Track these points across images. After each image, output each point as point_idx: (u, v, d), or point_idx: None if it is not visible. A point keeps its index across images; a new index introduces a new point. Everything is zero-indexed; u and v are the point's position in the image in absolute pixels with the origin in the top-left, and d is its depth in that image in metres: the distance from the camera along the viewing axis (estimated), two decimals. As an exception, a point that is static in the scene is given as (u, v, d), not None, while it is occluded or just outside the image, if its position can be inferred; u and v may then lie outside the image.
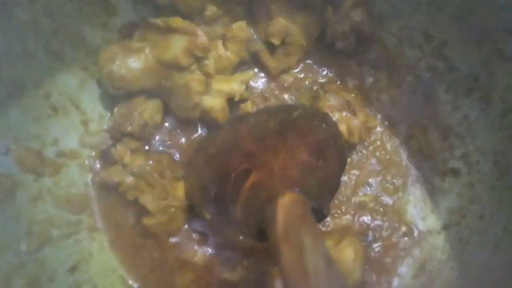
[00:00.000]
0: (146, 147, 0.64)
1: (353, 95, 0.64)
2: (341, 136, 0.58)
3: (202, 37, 0.57)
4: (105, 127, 0.63)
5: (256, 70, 0.67)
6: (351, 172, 0.66)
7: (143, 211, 0.58)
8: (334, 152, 0.53)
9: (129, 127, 0.59)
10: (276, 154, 0.51)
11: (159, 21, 0.59)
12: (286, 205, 0.44)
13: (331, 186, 0.53)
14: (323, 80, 0.67)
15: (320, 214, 0.48)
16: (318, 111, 0.59)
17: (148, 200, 0.57)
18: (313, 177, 0.49)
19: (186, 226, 0.62)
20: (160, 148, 0.64)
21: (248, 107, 0.65)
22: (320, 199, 0.48)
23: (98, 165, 0.62)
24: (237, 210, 0.50)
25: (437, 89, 0.65)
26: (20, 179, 0.53)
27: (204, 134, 0.64)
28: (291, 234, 0.41)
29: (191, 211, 0.60)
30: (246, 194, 0.49)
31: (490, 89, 0.60)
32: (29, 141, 0.55)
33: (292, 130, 0.54)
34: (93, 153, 0.62)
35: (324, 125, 0.55)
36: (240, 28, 0.62)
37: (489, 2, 0.56)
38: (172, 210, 0.58)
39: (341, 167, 0.55)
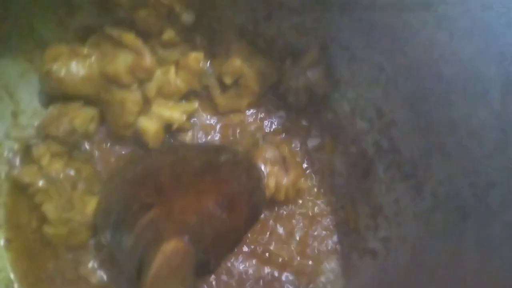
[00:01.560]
0: (74, 153, 0.62)
1: (291, 152, 0.63)
2: (262, 192, 0.57)
3: (147, 59, 0.56)
4: (35, 124, 0.61)
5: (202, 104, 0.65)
6: (276, 225, 0.64)
7: (46, 218, 0.56)
8: (244, 208, 0.52)
9: (55, 130, 0.58)
10: (184, 195, 0.49)
11: (114, 33, 0.58)
12: (167, 252, 0.42)
13: (230, 241, 0.52)
14: (267, 130, 0.66)
15: (206, 268, 0.46)
16: (246, 160, 0.58)
17: (49, 209, 0.55)
18: (212, 228, 0.48)
19: (91, 243, 0.60)
20: (85, 157, 0.62)
21: (187, 138, 0.64)
22: (210, 252, 0.46)
23: (17, 160, 0.60)
24: (128, 242, 0.48)
25: (377, 166, 0.64)
26: None
27: (131, 153, 0.62)
28: (158, 285, 0.39)
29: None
30: (140, 229, 0.47)
31: (424, 181, 0.59)
32: None
33: (212, 174, 0.53)
34: (16, 147, 0.60)
35: (245, 178, 0.54)
36: (195, 59, 0.61)
37: (442, 94, 0.56)
38: (75, 224, 0.56)
39: (248, 225, 0.54)
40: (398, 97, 0.61)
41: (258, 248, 0.62)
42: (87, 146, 0.63)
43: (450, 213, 0.55)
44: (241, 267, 0.60)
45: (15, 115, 0.60)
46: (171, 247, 0.42)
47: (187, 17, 0.59)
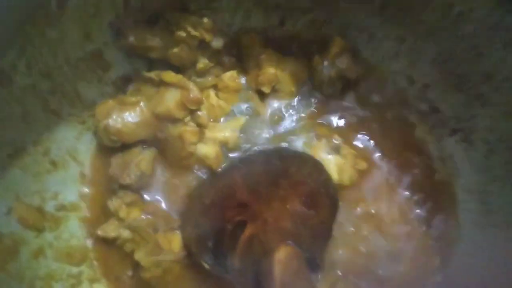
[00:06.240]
0: (145, 196, 0.65)
1: (341, 138, 0.66)
2: (332, 182, 0.60)
3: (194, 91, 0.59)
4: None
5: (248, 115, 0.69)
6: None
7: (140, 265, 0.60)
8: (325, 200, 0.55)
9: (127, 179, 0.61)
10: (269, 204, 0.53)
11: (152, 75, 0.61)
12: (282, 260, 0.46)
13: (324, 233, 0.55)
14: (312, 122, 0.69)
15: (314, 264, 0.49)
16: (308, 157, 0.61)
17: (141, 257, 0.58)
18: (306, 227, 0.51)
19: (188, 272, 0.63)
20: (156, 197, 0.65)
21: (243, 151, 0.67)
22: (313, 249, 0.50)
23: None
24: (234, 261, 0.51)
25: (422, 129, 0.67)
26: (21, 236, 0.54)
27: (199, 180, 0.65)
28: (288, 290, 0.43)
29: (191, 258, 0.62)
30: (243, 247, 0.50)
31: (471, 131, 0.63)
32: (29, 198, 0.57)
33: (284, 178, 0.56)
34: (93, 204, 0.63)
35: (314, 173, 0.57)
36: (231, 77, 0.65)
37: (467, 49, 0.59)
38: (166, 263, 0.59)
39: (333, 214, 0.57)
40: (424, 62, 0.65)
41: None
42: (153, 185, 0.66)
43: (506, 154, 0.59)
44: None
45: (83, 175, 0.63)
46: (283, 254, 0.46)
47: (216, 43, 0.62)
